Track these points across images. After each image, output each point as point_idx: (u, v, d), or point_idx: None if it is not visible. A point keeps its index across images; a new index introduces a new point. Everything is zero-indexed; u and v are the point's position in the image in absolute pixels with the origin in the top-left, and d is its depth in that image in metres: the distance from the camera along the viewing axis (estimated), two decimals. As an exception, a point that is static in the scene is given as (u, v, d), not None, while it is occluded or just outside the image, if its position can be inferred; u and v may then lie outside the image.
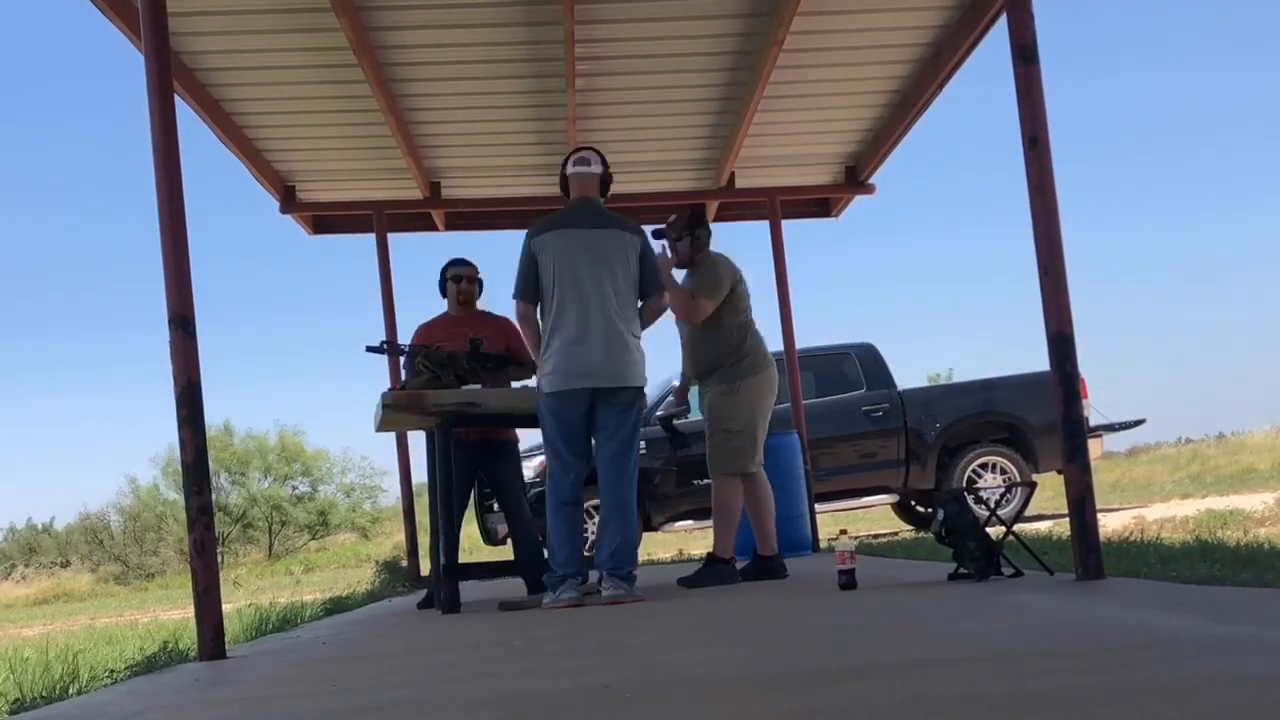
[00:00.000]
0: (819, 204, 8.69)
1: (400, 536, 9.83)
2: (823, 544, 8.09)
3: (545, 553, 4.69)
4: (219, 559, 7.01)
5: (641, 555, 9.69)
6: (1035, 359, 12.94)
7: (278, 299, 54.78)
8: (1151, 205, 59.81)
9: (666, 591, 5.05)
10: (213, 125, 6.37)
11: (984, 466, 9.51)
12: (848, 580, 3.95)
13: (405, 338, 8.29)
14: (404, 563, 8.31)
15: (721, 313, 4.93)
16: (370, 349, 5.37)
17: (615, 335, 4.36)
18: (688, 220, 5.10)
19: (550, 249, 4.41)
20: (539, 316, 4.46)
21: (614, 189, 8.05)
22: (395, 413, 4.85)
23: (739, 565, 5.11)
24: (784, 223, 8.10)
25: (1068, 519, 3.67)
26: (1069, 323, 3.71)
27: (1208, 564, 3.77)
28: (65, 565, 26.38)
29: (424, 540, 7.10)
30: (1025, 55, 3.82)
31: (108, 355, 52.36)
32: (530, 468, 8.15)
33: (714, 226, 5.27)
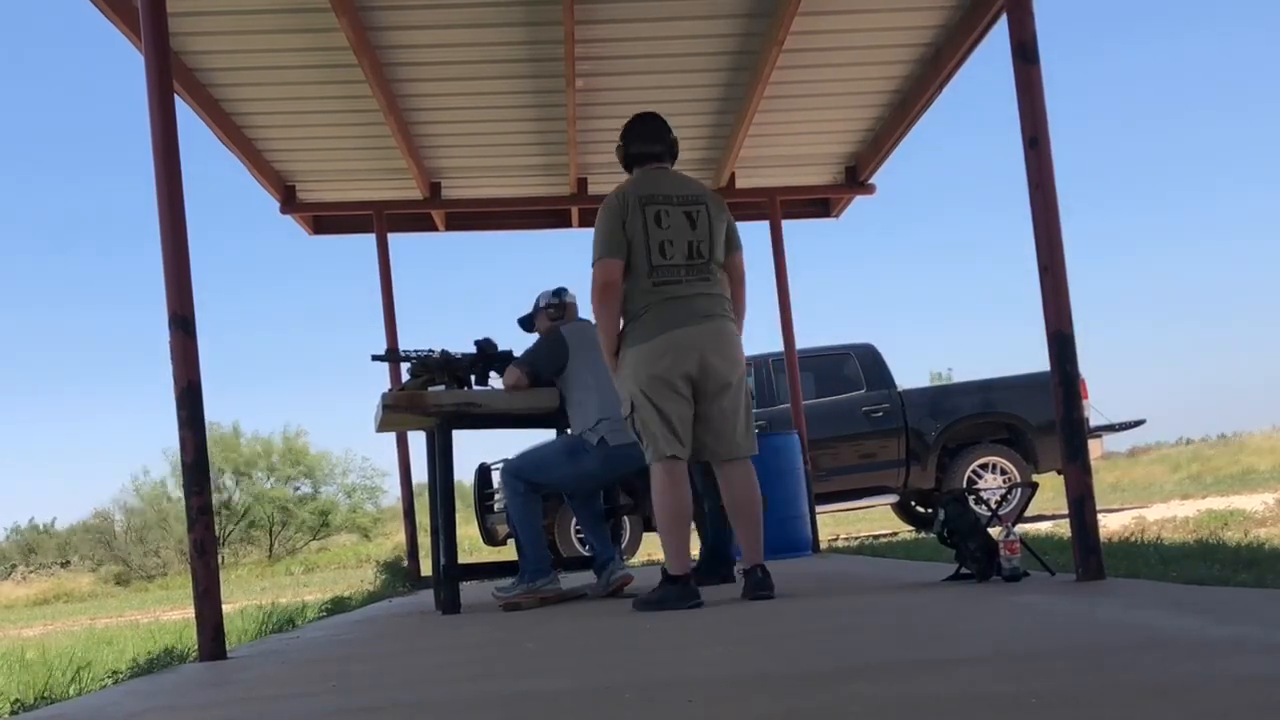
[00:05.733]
0: (819, 204, 8.69)
1: (401, 537, 9.83)
2: (822, 544, 8.10)
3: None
4: (219, 559, 7.03)
5: (641, 555, 9.70)
6: (1035, 359, 12.93)
7: (279, 300, 54.80)
8: (1152, 204, 59.81)
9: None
10: (213, 125, 6.37)
11: (984, 467, 9.51)
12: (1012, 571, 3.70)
13: (406, 340, 8.35)
14: (405, 563, 8.31)
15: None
16: (375, 358, 5.41)
17: None
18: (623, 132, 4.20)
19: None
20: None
21: (613, 188, 8.13)
22: (395, 413, 4.86)
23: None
24: (784, 222, 8.11)
25: (1068, 519, 3.67)
26: (1069, 322, 3.70)
27: (1208, 565, 3.77)
28: (65, 565, 26.39)
29: (425, 541, 7.09)
30: (1025, 55, 3.82)
31: (114, 355, 52.37)
32: None
33: None
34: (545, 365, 4.84)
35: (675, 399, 3.86)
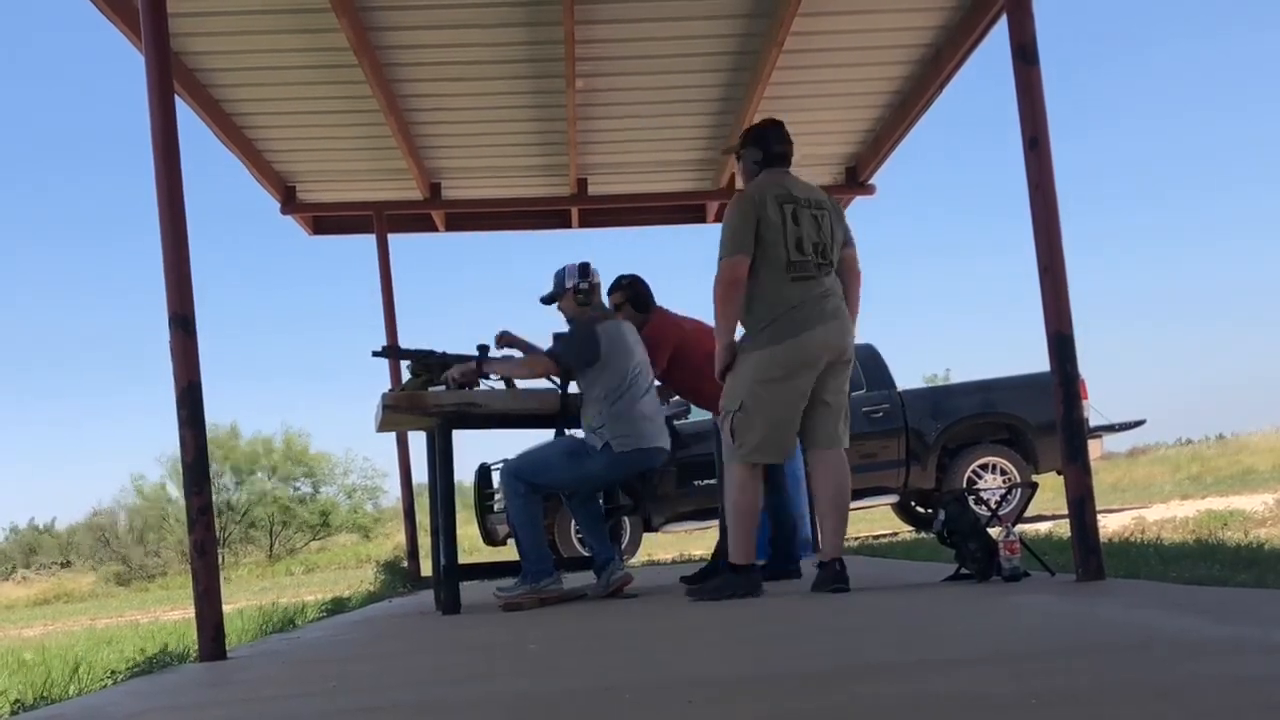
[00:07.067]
0: (819, 204, 8.68)
1: (401, 537, 9.82)
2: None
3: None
4: (219, 559, 7.04)
5: (641, 556, 9.70)
6: (1035, 359, 12.89)
7: (279, 299, 54.79)
8: (1152, 204, 59.80)
9: (666, 592, 5.05)
10: (213, 125, 6.37)
11: (984, 467, 9.51)
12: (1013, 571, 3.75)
13: (406, 340, 8.34)
14: (405, 564, 8.31)
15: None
16: (376, 353, 5.41)
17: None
18: (742, 138, 4.36)
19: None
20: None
21: (613, 189, 8.15)
22: (395, 413, 4.85)
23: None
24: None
25: (1068, 520, 3.67)
26: (1069, 323, 3.71)
27: (1208, 565, 3.77)
28: (66, 565, 26.38)
29: (425, 541, 7.09)
30: (1025, 56, 3.82)
31: (115, 355, 52.33)
32: None
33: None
34: (576, 359, 4.74)
35: (790, 406, 3.98)
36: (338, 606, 6.43)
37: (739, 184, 4.31)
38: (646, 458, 4.77)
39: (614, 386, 4.71)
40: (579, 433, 4.90)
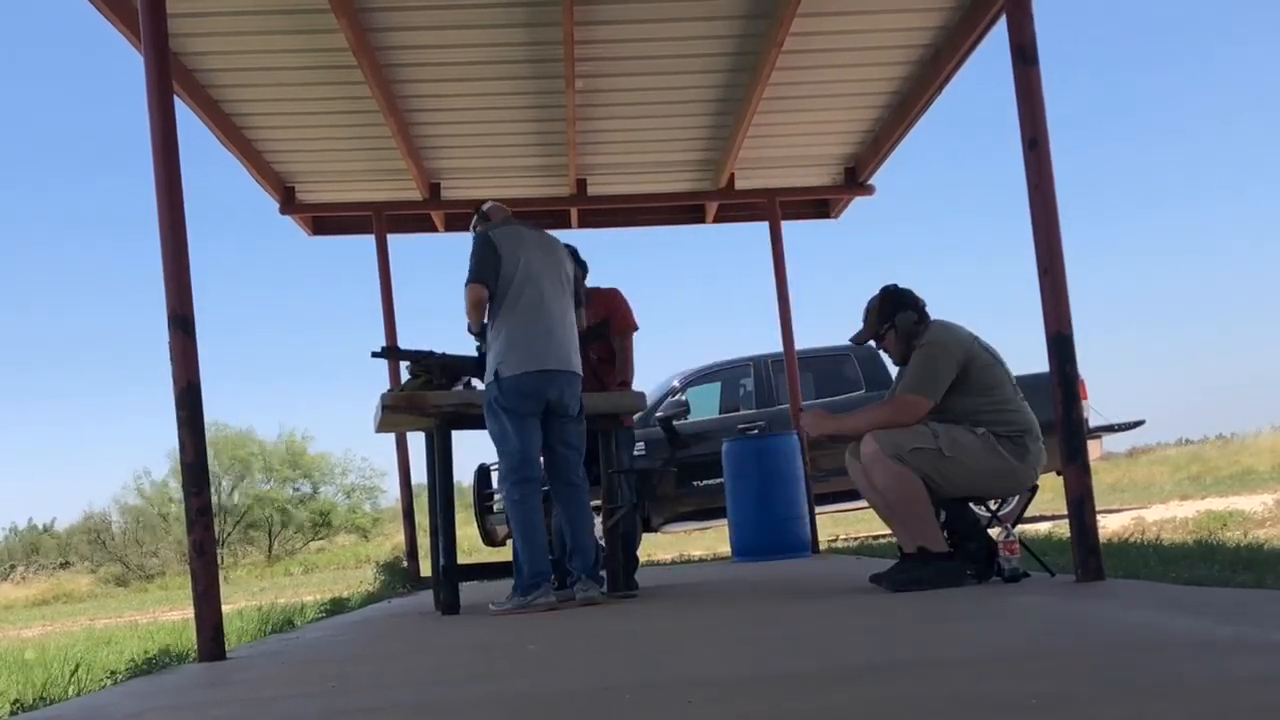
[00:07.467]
0: (818, 205, 8.69)
1: (400, 538, 9.81)
2: (822, 545, 8.10)
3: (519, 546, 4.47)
4: (218, 560, 7.05)
5: (641, 556, 9.68)
6: (1035, 360, 12.87)
7: (278, 299, 54.78)
8: (1151, 206, 59.87)
9: (666, 592, 5.05)
10: (213, 125, 6.37)
11: (984, 467, 9.49)
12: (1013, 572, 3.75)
13: (406, 341, 8.33)
14: (404, 564, 8.31)
15: (956, 399, 3.86)
16: (375, 354, 5.40)
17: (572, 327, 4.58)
18: (879, 307, 4.10)
19: (508, 243, 4.51)
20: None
21: (613, 189, 8.15)
22: (395, 414, 4.85)
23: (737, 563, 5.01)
24: (784, 223, 8.11)
25: (1067, 520, 3.67)
26: (1068, 324, 3.71)
27: (1208, 565, 3.77)
28: (65, 566, 26.36)
29: (424, 541, 7.09)
30: (1025, 56, 3.82)
31: (115, 355, 52.35)
32: None
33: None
34: (480, 273, 4.42)
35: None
36: (337, 607, 6.43)
37: (886, 340, 4.12)
38: (537, 383, 4.35)
39: (501, 298, 4.40)
40: None
